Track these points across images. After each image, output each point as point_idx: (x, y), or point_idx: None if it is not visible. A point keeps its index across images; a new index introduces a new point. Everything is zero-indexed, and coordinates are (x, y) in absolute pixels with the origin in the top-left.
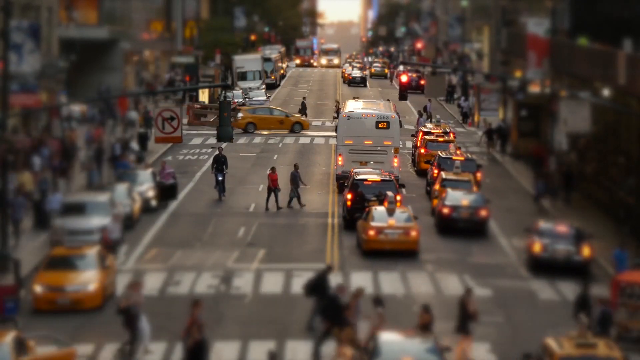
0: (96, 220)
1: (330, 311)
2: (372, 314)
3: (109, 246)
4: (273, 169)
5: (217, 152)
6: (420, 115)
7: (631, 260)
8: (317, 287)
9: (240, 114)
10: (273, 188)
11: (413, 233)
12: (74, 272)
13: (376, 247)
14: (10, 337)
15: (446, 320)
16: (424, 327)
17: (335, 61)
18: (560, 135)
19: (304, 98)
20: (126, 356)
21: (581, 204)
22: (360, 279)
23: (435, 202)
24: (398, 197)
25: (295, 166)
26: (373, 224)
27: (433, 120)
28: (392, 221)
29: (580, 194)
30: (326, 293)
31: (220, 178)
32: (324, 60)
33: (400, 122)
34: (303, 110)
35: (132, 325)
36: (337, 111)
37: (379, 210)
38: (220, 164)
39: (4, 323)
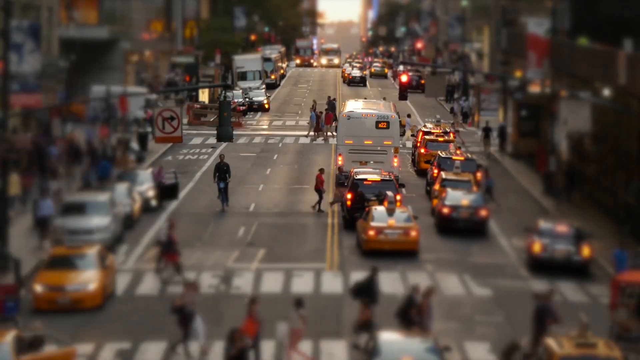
0: (96, 220)
1: (403, 311)
2: (293, 316)
3: (173, 244)
4: (322, 170)
5: (219, 161)
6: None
7: (631, 260)
8: (366, 289)
9: None
10: (319, 189)
11: (413, 233)
12: (74, 272)
13: (376, 247)
14: (10, 336)
15: (446, 320)
16: (364, 324)
17: (336, 61)
18: (560, 135)
19: (334, 99)
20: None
21: (581, 204)
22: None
23: (435, 202)
24: (398, 197)
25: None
26: (373, 224)
27: (456, 120)
28: (392, 221)
29: (581, 194)
30: (376, 296)
31: (222, 187)
32: (324, 60)
33: (400, 122)
34: (331, 109)
35: (186, 324)
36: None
37: (379, 210)
38: (222, 172)
39: (5, 322)
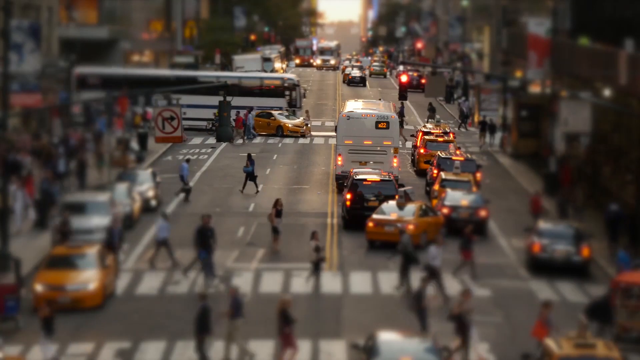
0: (96, 220)
1: None
2: None
3: (470, 242)
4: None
5: (201, 224)
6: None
7: (632, 261)
8: (602, 309)
9: None
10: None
11: (410, 227)
12: (75, 271)
13: (375, 239)
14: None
15: (446, 321)
16: (45, 321)
17: (332, 62)
18: (563, 136)
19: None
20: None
21: (582, 204)
22: (360, 279)
23: (435, 202)
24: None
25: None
26: (375, 216)
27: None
28: (394, 214)
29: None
30: (611, 316)
31: (203, 257)
32: (318, 60)
33: (400, 122)
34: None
35: (464, 332)
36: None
37: (390, 204)
38: (206, 238)
39: (5, 322)
